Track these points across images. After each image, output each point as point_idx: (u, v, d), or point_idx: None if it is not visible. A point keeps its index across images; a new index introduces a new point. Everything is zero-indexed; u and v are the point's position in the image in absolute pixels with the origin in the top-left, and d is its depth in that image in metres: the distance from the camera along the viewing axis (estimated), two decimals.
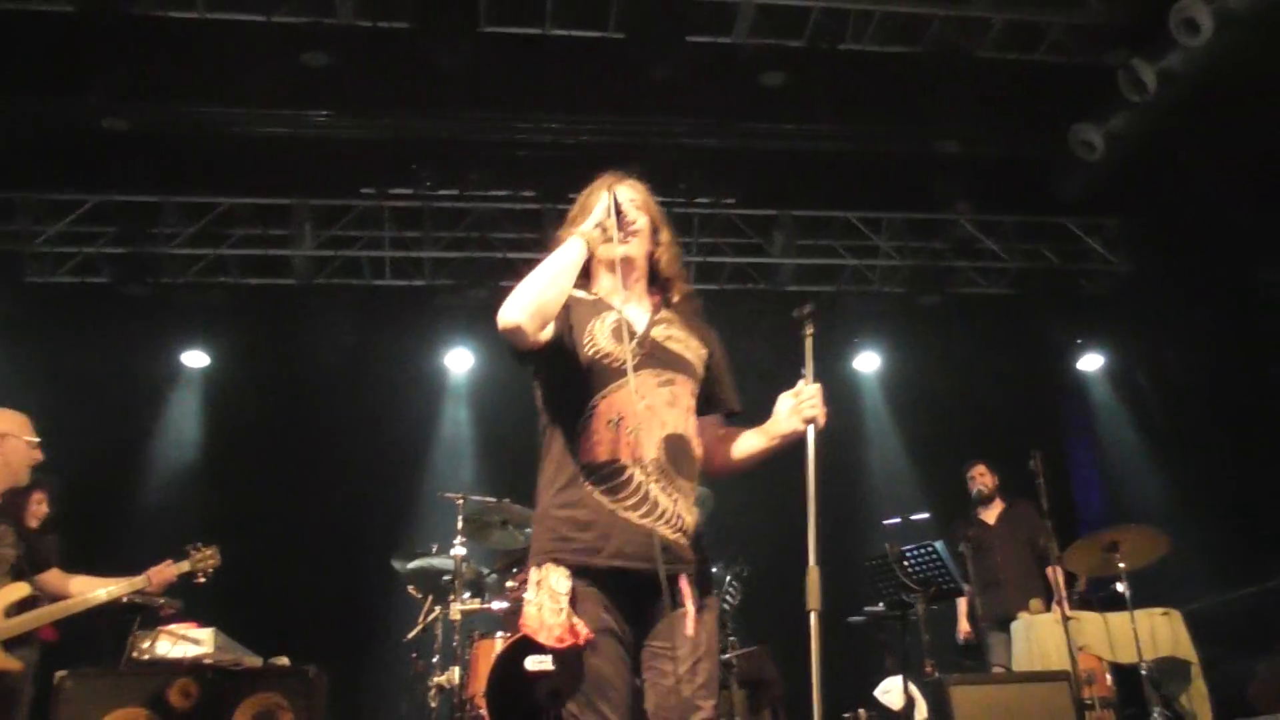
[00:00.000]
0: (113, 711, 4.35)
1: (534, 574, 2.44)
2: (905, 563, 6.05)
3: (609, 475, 2.43)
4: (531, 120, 8.36)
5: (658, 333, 2.64)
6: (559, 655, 2.33)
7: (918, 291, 9.22)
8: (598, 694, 2.33)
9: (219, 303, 8.80)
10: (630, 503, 2.41)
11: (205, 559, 4.74)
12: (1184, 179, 7.95)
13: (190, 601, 5.32)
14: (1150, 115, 7.27)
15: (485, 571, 6.26)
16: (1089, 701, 5.31)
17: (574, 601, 2.35)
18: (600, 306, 2.64)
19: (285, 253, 8.73)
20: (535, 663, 5.35)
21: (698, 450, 2.61)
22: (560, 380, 2.57)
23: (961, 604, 6.33)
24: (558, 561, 2.40)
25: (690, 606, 2.41)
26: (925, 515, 6.51)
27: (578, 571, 2.39)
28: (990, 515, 6.59)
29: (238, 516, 8.13)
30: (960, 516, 6.47)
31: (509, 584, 6.00)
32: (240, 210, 8.70)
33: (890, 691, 6.21)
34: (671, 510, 2.44)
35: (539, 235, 9.12)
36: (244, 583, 7.13)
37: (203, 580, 4.73)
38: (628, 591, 2.40)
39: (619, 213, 2.63)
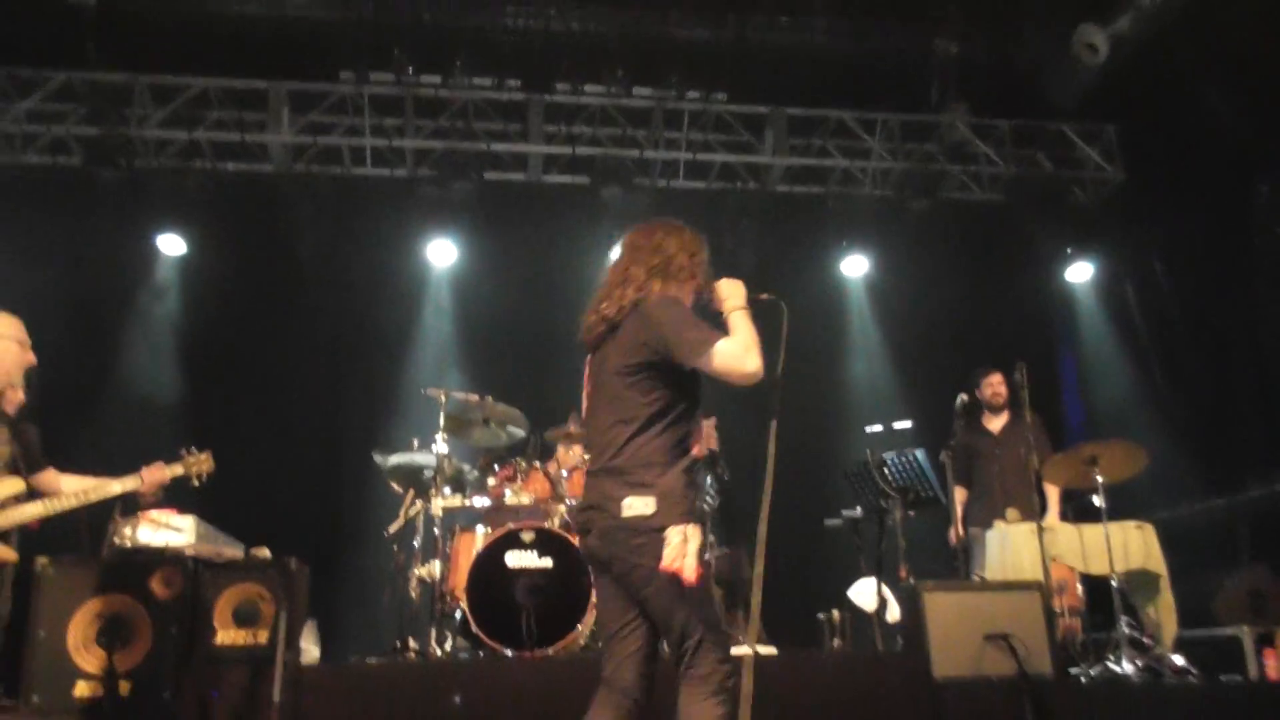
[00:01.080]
0: (94, 599, 4.36)
1: (679, 529, 2.86)
2: (885, 469, 6.10)
3: (702, 467, 3.61)
4: (519, 5, 8.12)
5: None
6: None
7: (908, 196, 9.12)
8: (720, 616, 3.24)
9: (194, 189, 8.59)
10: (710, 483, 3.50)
11: (199, 463, 4.65)
12: (1185, 88, 7.82)
13: (171, 489, 5.29)
14: (1156, 18, 7.10)
15: (467, 468, 6.27)
16: (1058, 610, 5.42)
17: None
18: None
19: (262, 138, 8.51)
20: (517, 558, 5.43)
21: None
22: (685, 391, 3.07)
23: (956, 508, 6.39)
24: (696, 522, 2.91)
25: None
26: (907, 424, 6.53)
27: (696, 519, 2.95)
28: (995, 424, 6.63)
29: (215, 407, 8.09)
30: (949, 424, 6.49)
31: (490, 481, 6.02)
32: (215, 93, 8.44)
33: (864, 593, 6.33)
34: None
35: (523, 127, 8.93)
36: (223, 473, 7.12)
37: (196, 485, 4.65)
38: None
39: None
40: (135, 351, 8.46)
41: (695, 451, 3.15)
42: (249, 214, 8.73)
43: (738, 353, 2.93)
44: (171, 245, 8.74)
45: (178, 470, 4.56)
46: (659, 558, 2.82)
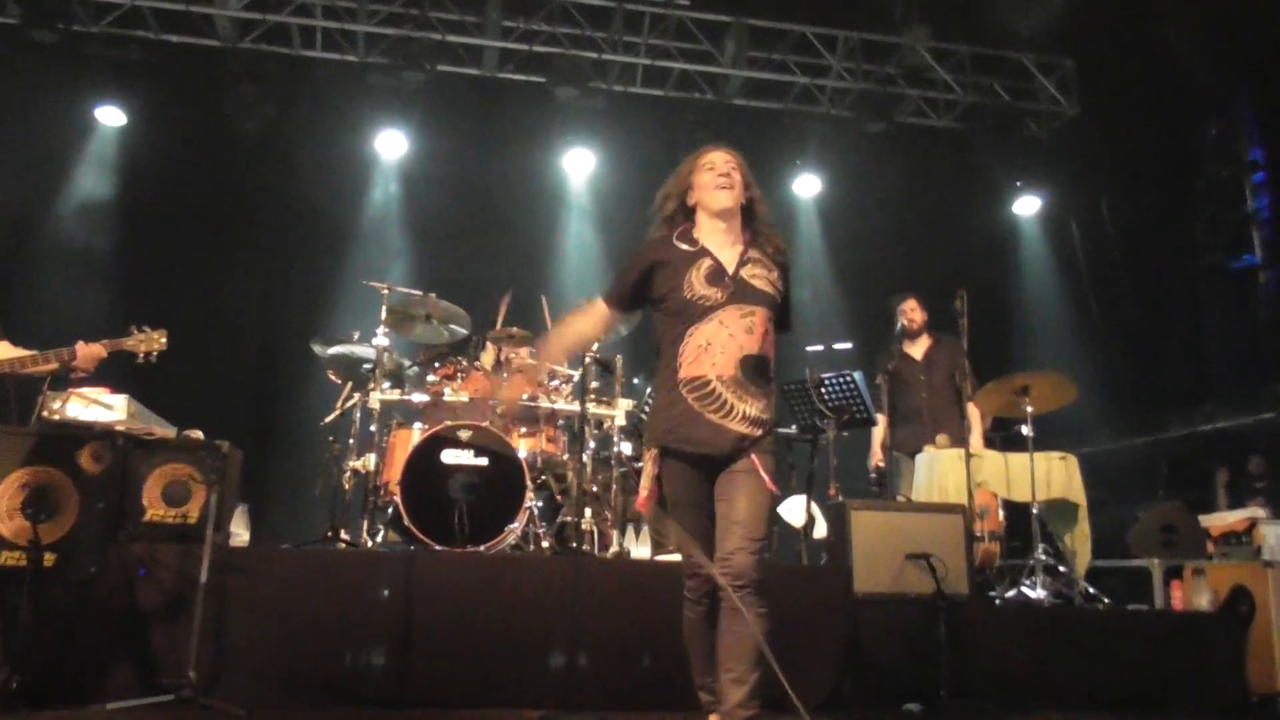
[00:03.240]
0: (20, 469, 4.29)
1: (647, 454, 3.45)
2: (822, 389, 6.18)
3: (698, 387, 3.29)
4: None
5: (745, 272, 3.38)
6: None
7: (865, 117, 9.08)
8: (690, 541, 3.32)
9: (136, 59, 8.27)
10: (712, 407, 3.28)
11: (149, 340, 4.53)
12: (1144, 25, 7.83)
13: (103, 368, 5.19)
14: None
15: (406, 364, 6.22)
16: (979, 535, 5.57)
17: (660, 478, 3.37)
18: (697, 256, 3.40)
19: (209, 10, 8.20)
20: (453, 456, 5.44)
21: (771, 361, 3.42)
22: (668, 315, 3.40)
23: (876, 434, 6.48)
24: (663, 448, 3.34)
25: (759, 467, 3.28)
26: (848, 345, 6.60)
27: (673, 454, 3.32)
28: (917, 350, 6.63)
29: (151, 286, 7.91)
30: (883, 349, 6.54)
31: (430, 378, 5.99)
32: None
33: (793, 509, 6.44)
34: (744, 411, 3.29)
35: (480, 19, 8.71)
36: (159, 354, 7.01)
37: (142, 362, 4.53)
38: (705, 467, 3.31)
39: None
40: (70, 225, 8.22)
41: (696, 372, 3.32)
42: (192, 89, 8.45)
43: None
44: (111, 117, 8.45)
45: (122, 344, 4.45)
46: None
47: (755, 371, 3.33)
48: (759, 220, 3.52)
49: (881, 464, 6.36)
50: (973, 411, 6.17)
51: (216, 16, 8.20)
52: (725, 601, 3.20)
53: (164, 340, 4.57)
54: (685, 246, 3.44)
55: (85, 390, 5.06)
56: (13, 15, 7.89)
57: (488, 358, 6.32)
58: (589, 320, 3.66)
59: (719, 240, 3.44)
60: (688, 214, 3.52)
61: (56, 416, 4.92)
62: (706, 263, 3.39)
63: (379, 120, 8.81)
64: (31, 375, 4.73)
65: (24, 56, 7.89)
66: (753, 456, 3.29)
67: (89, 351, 4.40)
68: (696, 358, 3.31)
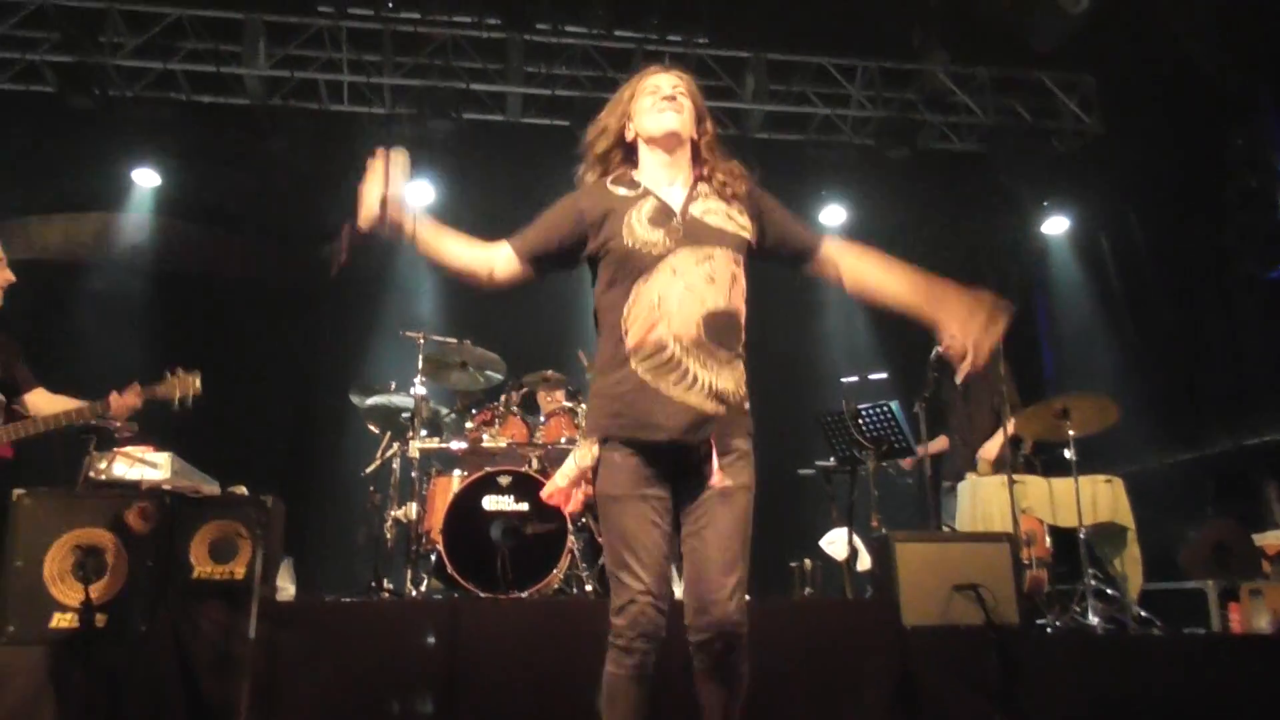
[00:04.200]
0: (70, 531, 4.34)
1: (581, 445, 2.75)
2: (860, 420, 6.15)
3: (651, 354, 2.65)
4: None
5: (696, 209, 2.79)
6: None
7: (887, 144, 9.09)
8: (626, 549, 2.59)
9: (169, 120, 8.44)
10: (671, 378, 2.63)
11: (184, 384, 4.53)
12: (1164, 38, 7.80)
13: (146, 426, 5.26)
14: None
15: (444, 411, 6.27)
16: (1026, 562, 5.51)
17: (597, 470, 2.68)
18: (636, 198, 2.81)
19: (238, 71, 8.36)
20: (493, 501, 5.46)
21: (742, 315, 2.78)
22: (605, 273, 2.78)
23: (926, 459, 6.42)
24: (606, 436, 2.68)
25: (715, 467, 2.64)
26: (883, 375, 6.58)
27: (623, 443, 2.65)
28: (960, 375, 6.65)
29: (191, 344, 8.01)
30: (920, 376, 6.54)
31: (468, 425, 6.03)
32: (190, 22, 8.26)
33: (835, 542, 6.40)
34: (709, 382, 2.64)
35: (502, 67, 8.82)
36: (201, 411, 7.08)
37: (178, 409, 4.54)
38: (666, 459, 2.65)
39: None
40: (107, 283, 8.37)
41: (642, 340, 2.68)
42: (223, 147, 8.60)
43: None
44: (146, 178, 8.63)
45: (156, 392, 4.48)
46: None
47: (724, 332, 2.68)
48: (712, 158, 2.91)
49: (911, 465, 6.32)
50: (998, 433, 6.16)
51: (246, 76, 8.35)
52: (700, 664, 2.61)
53: (199, 384, 4.57)
54: (622, 190, 2.84)
55: (130, 449, 5.12)
56: (50, 83, 8.08)
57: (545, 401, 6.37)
58: (482, 254, 2.90)
59: (661, 177, 2.85)
60: (627, 154, 2.94)
61: (103, 476, 4.98)
62: (649, 203, 2.78)
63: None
64: (75, 432, 4.81)
65: (61, 122, 8.06)
66: (714, 466, 2.63)
67: (123, 402, 4.44)
68: (648, 319, 2.65)
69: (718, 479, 2.63)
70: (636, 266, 2.70)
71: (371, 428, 6.32)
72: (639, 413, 2.63)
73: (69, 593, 4.22)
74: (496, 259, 2.88)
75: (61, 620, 4.20)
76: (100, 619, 4.22)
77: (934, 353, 6.46)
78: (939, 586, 4.86)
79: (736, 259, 2.77)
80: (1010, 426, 5.88)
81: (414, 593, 5.46)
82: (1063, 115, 9.30)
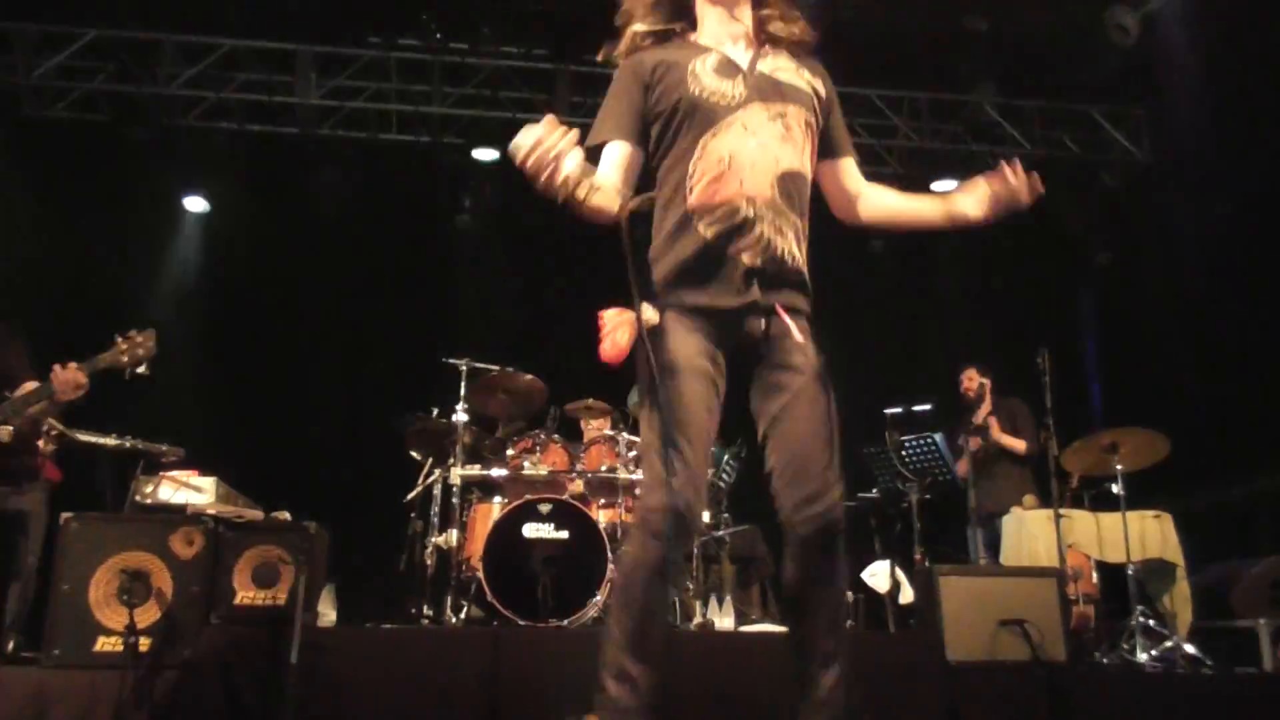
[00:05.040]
0: (116, 555, 4.39)
1: (644, 310, 2.42)
2: (903, 452, 6.10)
3: (721, 216, 2.40)
4: None
5: (765, 65, 2.57)
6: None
7: (935, 176, 9.05)
8: (678, 428, 2.33)
9: (221, 148, 8.60)
10: (743, 242, 2.39)
11: (136, 345, 4.31)
12: (1214, 68, 7.72)
13: (191, 450, 5.33)
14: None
15: (486, 438, 6.29)
16: (1074, 597, 5.42)
17: (660, 333, 2.38)
18: (699, 49, 2.56)
19: (289, 100, 8.50)
20: (534, 529, 5.46)
21: (809, 183, 2.58)
22: (669, 125, 2.51)
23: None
24: (667, 303, 2.42)
25: (794, 331, 2.44)
26: (927, 406, 6.52)
27: (687, 310, 2.41)
28: (980, 416, 6.70)
29: (235, 369, 8.12)
30: (960, 412, 6.56)
31: (509, 451, 6.04)
32: (242, 53, 8.43)
33: (877, 575, 6.34)
34: (783, 247, 2.43)
35: (549, 97, 8.89)
36: (244, 435, 7.18)
37: (141, 372, 4.35)
38: (732, 330, 2.42)
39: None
40: (158, 309, 8.50)
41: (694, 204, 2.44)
42: (272, 175, 8.74)
43: None
44: (196, 205, 8.81)
45: (104, 361, 4.39)
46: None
47: (797, 194, 2.47)
48: (778, 6, 2.65)
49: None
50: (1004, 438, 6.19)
51: (298, 105, 8.48)
52: (803, 564, 2.37)
53: (151, 343, 4.41)
54: (678, 48, 2.59)
55: (176, 474, 5.19)
56: (104, 113, 8.27)
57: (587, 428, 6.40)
58: (620, 179, 2.54)
59: (723, 33, 2.59)
60: (676, 11, 2.63)
61: (148, 501, 5.05)
62: (713, 56, 2.54)
63: (456, 198, 9.02)
64: (123, 457, 4.89)
65: (115, 151, 8.24)
66: (793, 334, 2.42)
67: (65, 378, 4.35)
68: (718, 177, 2.41)
69: (799, 340, 2.42)
70: (704, 119, 2.45)
71: (413, 454, 6.35)
72: (705, 278, 2.40)
73: (114, 617, 4.26)
74: (628, 169, 2.56)
75: (106, 644, 4.24)
76: (144, 643, 4.26)
77: (964, 393, 6.48)
78: (984, 622, 4.79)
79: (809, 120, 2.56)
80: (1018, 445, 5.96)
81: (454, 620, 5.46)
82: (1112, 147, 9.22)
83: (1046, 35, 8.21)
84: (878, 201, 2.77)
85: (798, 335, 2.42)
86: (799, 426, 2.39)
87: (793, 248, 2.44)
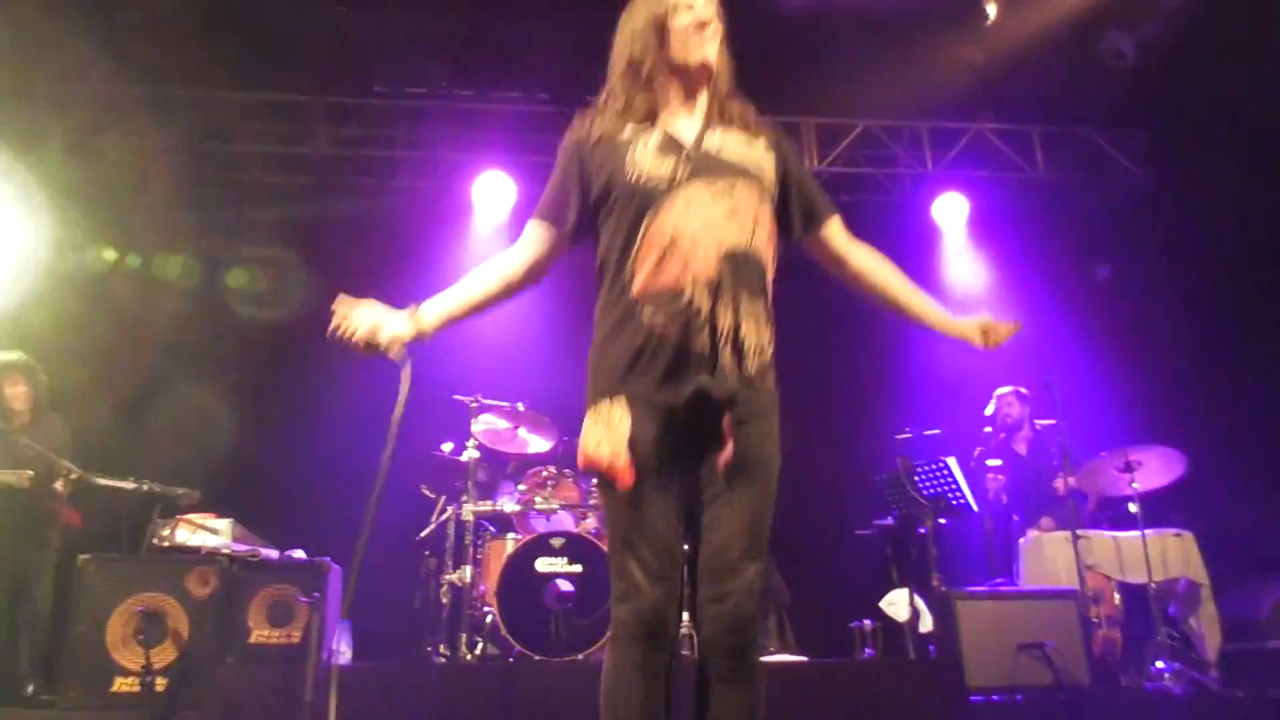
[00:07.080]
0: (134, 595, 4.41)
1: (591, 413, 2.33)
2: (916, 478, 6.07)
3: (666, 300, 2.27)
4: (544, 17, 8.14)
5: (711, 141, 2.44)
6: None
7: (937, 203, 9.08)
8: (637, 533, 2.24)
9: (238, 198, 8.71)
10: (693, 327, 2.25)
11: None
12: (1214, 90, 7.75)
13: (208, 493, 5.36)
14: (1183, 25, 7.09)
15: (497, 474, 6.29)
16: (1096, 620, 5.35)
17: (631, 442, 2.24)
18: (641, 131, 2.45)
19: (301, 150, 8.61)
20: (547, 564, 5.45)
21: (769, 265, 2.43)
22: (609, 217, 2.42)
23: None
24: (614, 397, 2.28)
25: (729, 448, 2.26)
26: (936, 431, 6.50)
27: (637, 406, 2.26)
28: (1020, 444, 6.61)
29: (250, 411, 8.14)
30: (982, 436, 6.50)
31: (520, 487, 6.05)
32: (254, 106, 8.55)
33: (896, 603, 6.27)
34: (731, 331, 2.27)
35: (554, 140, 8.97)
36: (258, 476, 7.18)
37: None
38: (684, 422, 2.26)
39: None
40: (167, 353, 8.55)
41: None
42: (285, 223, 8.83)
43: None
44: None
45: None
46: None
47: (748, 275, 2.31)
48: (728, 88, 2.56)
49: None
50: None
51: (308, 154, 8.58)
52: (713, 668, 2.23)
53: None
54: (625, 126, 2.48)
55: (192, 516, 5.22)
56: None
57: None
58: (508, 260, 2.57)
59: (677, 107, 2.50)
60: (644, 116, 2.51)
61: (165, 543, 5.07)
62: (655, 134, 2.44)
63: (465, 242, 9.08)
64: (140, 501, 4.93)
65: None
66: (727, 445, 2.25)
67: None
68: (660, 260, 2.29)
69: (728, 452, 2.25)
70: (643, 202, 2.33)
71: (426, 492, 6.36)
72: (654, 370, 2.26)
73: (130, 657, 4.28)
74: (527, 248, 2.54)
75: (123, 685, 4.26)
76: (161, 683, 4.27)
77: (1002, 418, 6.41)
78: (1004, 646, 4.75)
79: (761, 196, 2.41)
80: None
81: (469, 656, 5.44)
82: (1114, 169, 9.24)
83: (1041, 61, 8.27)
84: (868, 270, 2.73)
85: (729, 451, 2.25)
86: (721, 531, 2.25)
87: (746, 329, 2.29)
